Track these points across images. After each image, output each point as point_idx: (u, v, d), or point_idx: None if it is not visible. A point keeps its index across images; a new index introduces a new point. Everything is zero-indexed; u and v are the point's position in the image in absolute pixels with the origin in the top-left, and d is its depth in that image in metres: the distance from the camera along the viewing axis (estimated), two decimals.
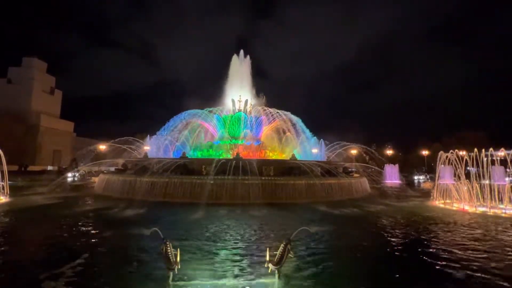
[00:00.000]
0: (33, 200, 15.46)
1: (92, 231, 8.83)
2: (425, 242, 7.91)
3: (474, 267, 5.81)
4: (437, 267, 5.89)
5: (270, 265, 4.87)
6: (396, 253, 7.12)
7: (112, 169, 28.14)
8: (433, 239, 8.19)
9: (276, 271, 4.83)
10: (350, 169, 25.80)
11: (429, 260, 6.40)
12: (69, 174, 32.91)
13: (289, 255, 4.80)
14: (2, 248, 6.88)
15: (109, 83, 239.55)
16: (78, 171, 35.10)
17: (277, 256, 4.79)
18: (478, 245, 7.55)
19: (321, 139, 30.20)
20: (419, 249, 7.23)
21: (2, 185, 15.38)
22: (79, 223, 9.84)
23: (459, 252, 6.86)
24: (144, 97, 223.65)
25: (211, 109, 29.11)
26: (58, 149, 71.16)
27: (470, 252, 6.91)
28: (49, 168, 56.63)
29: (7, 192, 15.48)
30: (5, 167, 15.29)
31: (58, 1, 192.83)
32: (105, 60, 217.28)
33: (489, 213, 12.75)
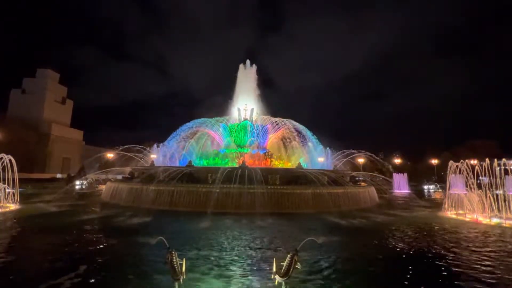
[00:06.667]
0: (41, 207, 15.67)
1: (98, 239, 8.85)
2: (441, 256, 7.54)
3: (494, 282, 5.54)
4: (454, 283, 5.64)
5: (277, 277, 4.74)
6: (409, 267, 6.84)
7: (119, 177, 28.49)
8: (449, 254, 7.81)
9: (283, 283, 4.70)
10: (357, 178, 25.43)
11: (446, 276, 6.13)
12: (77, 182, 33.36)
13: (296, 266, 4.68)
14: (7, 256, 6.94)
15: (121, 93, 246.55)
16: (86, 179, 35.58)
17: (283, 268, 4.67)
18: (498, 259, 7.22)
19: (327, 148, 29.98)
20: (435, 264, 6.93)
21: (13, 193, 15.66)
22: (85, 231, 9.90)
23: (481, 268, 6.53)
24: (154, 107, 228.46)
25: (217, 118, 29.40)
26: (68, 157, 72.68)
27: (489, 266, 6.62)
28: (58, 175, 57.63)
29: (17, 200, 15.75)
30: (16, 175, 15.59)
31: (74, 15, 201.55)
32: (118, 72, 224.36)
33: (504, 225, 12.25)
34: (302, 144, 28.67)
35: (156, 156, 29.10)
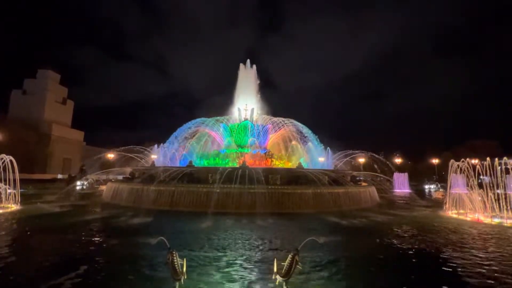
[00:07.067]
0: (42, 208, 15.69)
1: (99, 240, 8.85)
2: (443, 256, 7.50)
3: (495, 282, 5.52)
4: (457, 283, 5.62)
5: (278, 277, 4.74)
6: (411, 267, 6.81)
7: (120, 177, 28.51)
8: (451, 253, 7.77)
9: (284, 283, 4.70)
10: (358, 178, 25.39)
11: (448, 276, 6.11)
12: (78, 183, 33.37)
13: (297, 266, 4.67)
14: (8, 257, 6.92)
15: (121, 93, 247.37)
16: (86, 179, 35.57)
17: (284, 268, 4.66)
18: (501, 259, 7.19)
19: (327, 148, 29.94)
20: (437, 264, 6.89)
21: (14, 193, 15.68)
22: (86, 232, 9.89)
23: (483, 268, 6.49)
24: (154, 107, 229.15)
25: (218, 118, 29.40)
26: (68, 158, 72.70)
27: (492, 266, 6.60)
28: (59, 176, 57.63)
29: (18, 200, 15.77)
30: (17, 175, 15.61)
31: (74, 15, 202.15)
32: (118, 72, 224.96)
33: (505, 224, 12.22)
34: (303, 144, 28.64)
35: (156, 156, 29.09)
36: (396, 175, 39.29)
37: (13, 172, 15.43)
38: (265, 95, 33.31)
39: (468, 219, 13.64)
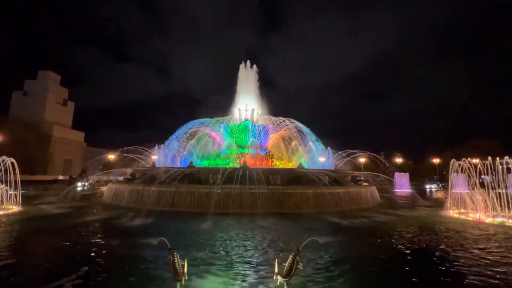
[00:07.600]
0: (43, 209, 15.70)
1: (100, 241, 8.84)
2: (445, 256, 7.48)
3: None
4: (459, 283, 5.60)
5: (279, 277, 4.73)
6: (413, 267, 6.79)
7: (121, 178, 28.56)
8: (453, 253, 7.75)
9: (285, 284, 4.69)
10: (358, 178, 25.38)
11: (451, 276, 6.09)
12: (79, 184, 33.44)
13: (298, 267, 4.66)
14: (8, 258, 6.92)
15: (121, 94, 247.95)
16: (87, 180, 35.63)
17: (285, 268, 4.65)
18: (503, 259, 7.17)
19: (328, 148, 29.88)
20: (439, 264, 6.89)
21: (15, 194, 15.70)
22: (87, 233, 9.91)
23: (486, 268, 6.48)
24: (154, 108, 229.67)
25: (218, 118, 29.39)
26: (69, 159, 72.88)
27: (494, 265, 6.58)
28: (60, 177, 57.73)
29: (19, 202, 15.79)
30: (18, 177, 15.63)
31: (74, 15, 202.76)
32: (118, 72, 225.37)
33: (507, 224, 12.18)
34: (303, 144, 28.60)
35: (157, 157, 29.11)
36: (397, 175, 39.23)
37: (14, 173, 15.46)
38: (265, 95, 33.31)
39: (470, 218, 13.60)
